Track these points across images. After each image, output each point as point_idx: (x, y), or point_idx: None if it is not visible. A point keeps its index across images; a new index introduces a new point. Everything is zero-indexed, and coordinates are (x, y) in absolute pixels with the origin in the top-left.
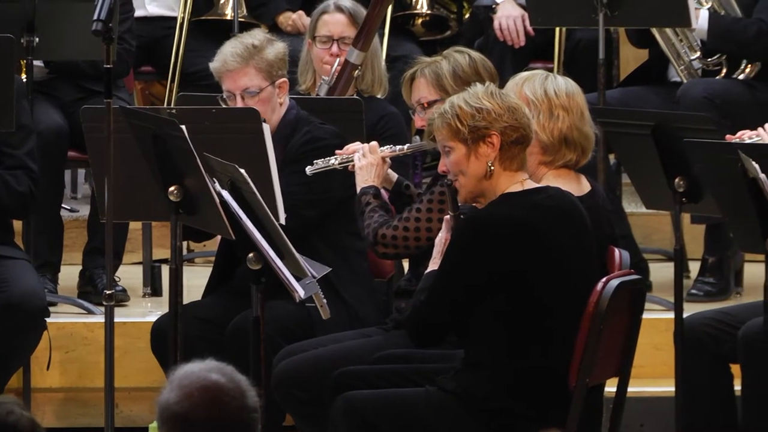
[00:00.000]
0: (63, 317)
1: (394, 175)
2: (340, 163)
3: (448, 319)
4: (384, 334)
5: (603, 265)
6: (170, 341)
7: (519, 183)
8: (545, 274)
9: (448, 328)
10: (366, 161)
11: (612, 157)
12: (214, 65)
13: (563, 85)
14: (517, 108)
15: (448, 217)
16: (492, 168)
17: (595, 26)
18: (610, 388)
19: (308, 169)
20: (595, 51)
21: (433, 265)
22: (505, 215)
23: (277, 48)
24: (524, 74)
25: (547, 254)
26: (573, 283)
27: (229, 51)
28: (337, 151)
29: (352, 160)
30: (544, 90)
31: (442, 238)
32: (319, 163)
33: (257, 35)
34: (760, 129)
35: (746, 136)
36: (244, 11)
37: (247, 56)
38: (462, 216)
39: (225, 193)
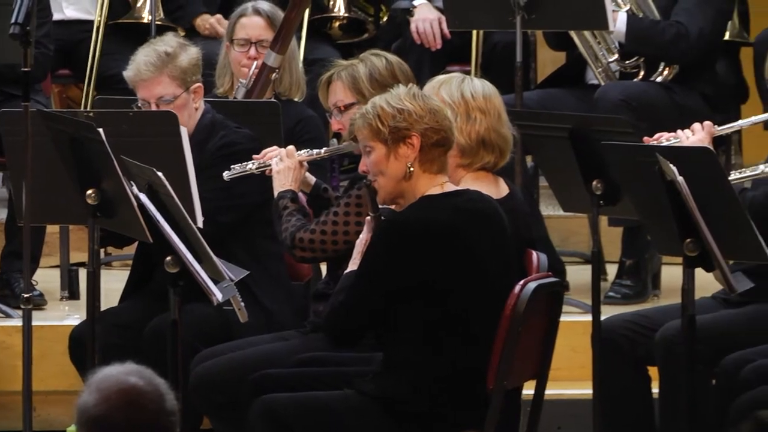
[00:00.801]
0: None
1: (312, 179)
2: (257, 168)
3: (366, 321)
4: (302, 338)
5: (521, 267)
6: (87, 346)
7: (439, 186)
8: (464, 277)
9: (366, 329)
10: (283, 165)
11: (529, 160)
12: (127, 74)
13: (480, 87)
14: (438, 110)
15: (369, 218)
16: (411, 169)
17: (512, 29)
18: (528, 390)
19: (226, 174)
20: (513, 54)
21: (353, 265)
22: (426, 218)
23: (191, 53)
24: (441, 77)
25: (466, 257)
26: (492, 285)
27: (142, 60)
28: (254, 156)
29: (270, 165)
30: (461, 93)
31: (362, 239)
32: (237, 168)
33: (170, 41)
34: (678, 131)
35: (664, 138)
36: (161, 14)
37: (160, 65)
38: (383, 218)
39: (143, 197)
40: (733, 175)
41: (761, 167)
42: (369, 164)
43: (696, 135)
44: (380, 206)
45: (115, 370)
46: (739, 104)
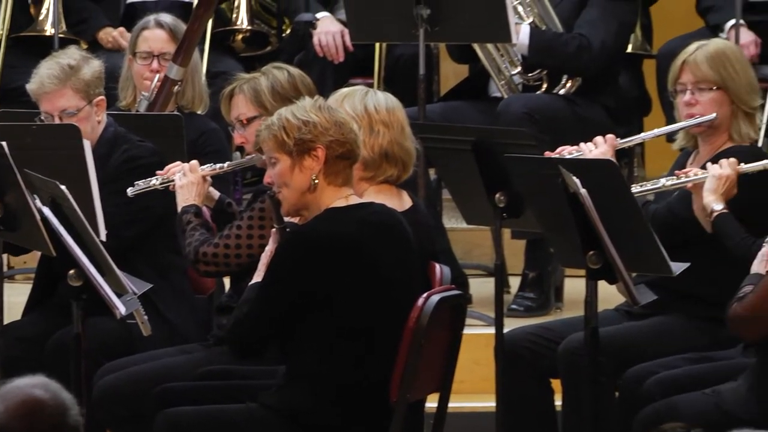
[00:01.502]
0: None
1: (216, 193)
2: (161, 184)
3: (269, 332)
4: (205, 351)
5: (424, 280)
6: None
7: (343, 198)
8: (368, 289)
9: (269, 341)
10: (187, 180)
11: (432, 173)
12: (30, 87)
13: (383, 100)
14: (344, 123)
15: (273, 229)
16: (316, 182)
17: (415, 42)
18: (431, 403)
19: (130, 191)
20: (416, 66)
21: (257, 277)
22: (330, 231)
23: (94, 66)
24: (344, 90)
25: (370, 269)
26: (395, 298)
27: (45, 72)
28: (158, 172)
29: (173, 180)
30: (364, 106)
31: (267, 251)
32: (140, 184)
33: (73, 54)
34: (581, 144)
35: (566, 151)
36: (64, 27)
37: (63, 77)
38: (287, 229)
39: (46, 210)
40: (635, 189)
41: (662, 181)
42: (274, 176)
43: (599, 147)
44: (285, 218)
45: (23, 382)
46: (642, 117)
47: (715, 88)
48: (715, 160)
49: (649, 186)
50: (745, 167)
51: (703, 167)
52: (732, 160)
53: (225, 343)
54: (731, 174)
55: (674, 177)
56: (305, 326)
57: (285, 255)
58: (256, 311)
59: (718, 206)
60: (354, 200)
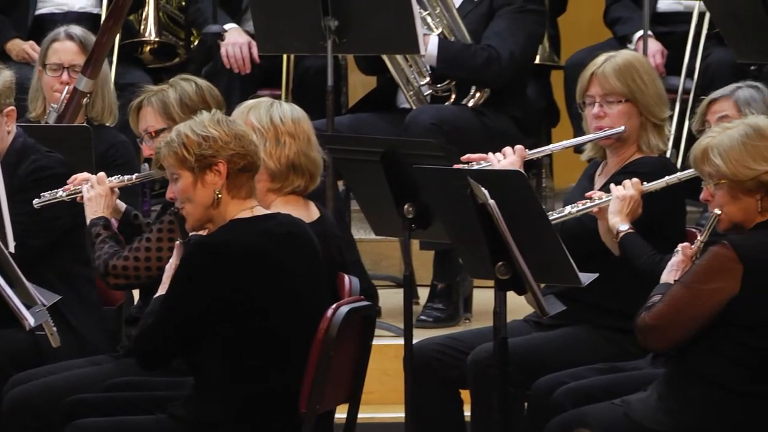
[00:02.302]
0: None
1: (123, 206)
2: (68, 195)
3: (174, 343)
4: (114, 362)
5: (333, 291)
6: None
7: (248, 210)
8: (275, 301)
9: (175, 351)
10: (95, 192)
11: (341, 184)
12: None
13: (289, 111)
14: (243, 135)
15: (177, 243)
16: (219, 196)
17: (323, 53)
18: (341, 414)
19: (35, 203)
20: (324, 78)
21: (162, 289)
22: (234, 241)
23: (4, 77)
24: (250, 102)
25: (277, 281)
26: (303, 309)
27: None
28: (67, 182)
29: (81, 192)
30: (269, 117)
31: (171, 264)
32: (47, 196)
33: None
34: (490, 154)
35: (474, 161)
36: None
37: None
38: (191, 242)
39: None
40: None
41: (568, 209)
42: (176, 191)
43: (507, 158)
44: (190, 233)
45: None
46: (550, 128)
47: (623, 100)
48: (623, 171)
49: (555, 215)
50: (648, 186)
51: (608, 190)
52: (635, 180)
53: (131, 355)
54: (635, 194)
55: (579, 203)
56: (211, 337)
57: (188, 265)
58: (161, 322)
59: (624, 226)
60: (259, 211)
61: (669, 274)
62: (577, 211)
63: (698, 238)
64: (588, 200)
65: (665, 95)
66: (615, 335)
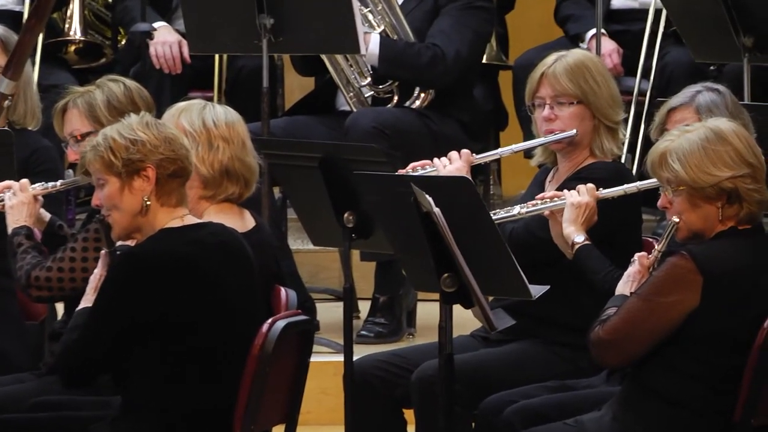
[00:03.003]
0: None
1: (47, 215)
2: None
3: (101, 360)
4: (37, 380)
5: (268, 305)
6: None
7: (178, 219)
8: (207, 315)
9: (101, 368)
10: (17, 200)
11: (277, 191)
12: None
13: (222, 114)
14: (174, 139)
15: (103, 252)
16: (148, 203)
17: (258, 53)
18: None
19: None
20: (259, 79)
21: (86, 302)
22: (164, 251)
23: None
24: (181, 104)
25: (209, 294)
26: (237, 324)
27: None
28: None
29: (2, 200)
30: (202, 120)
31: (96, 275)
32: None
33: None
34: (435, 160)
35: (419, 167)
36: None
37: None
38: (118, 252)
39: None
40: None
41: (517, 208)
42: (102, 198)
43: (453, 164)
44: (117, 243)
45: None
46: (498, 131)
47: (575, 102)
48: (575, 177)
49: (502, 213)
50: (605, 192)
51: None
52: (590, 186)
53: (54, 372)
54: (590, 201)
55: (530, 204)
56: (139, 353)
57: (115, 277)
58: (86, 337)
59: (579, 237)
60: (190, 220)
61: (625, 286)
62: (527, 212)
63: (656, 247)
64: (539, 201)
65: (619, 97)
66: (567, 351)
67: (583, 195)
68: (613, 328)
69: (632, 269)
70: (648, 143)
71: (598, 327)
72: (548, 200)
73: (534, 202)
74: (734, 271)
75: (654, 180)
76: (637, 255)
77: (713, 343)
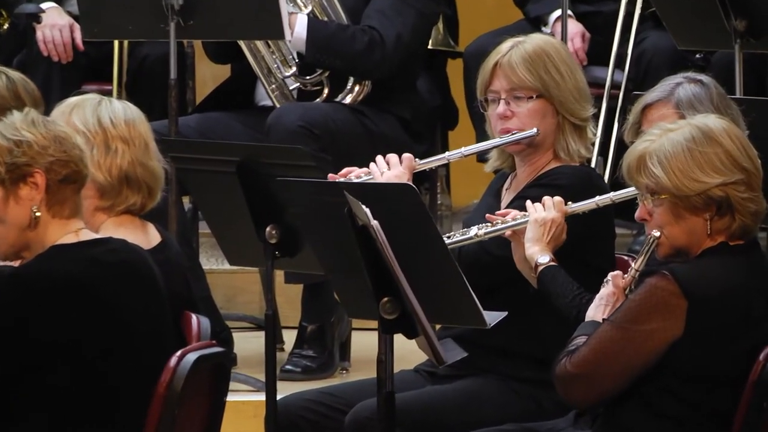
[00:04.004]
0: None
1: None
2: None
3: None
4: None
5: (177, 334)
6: None
7: (73, 233)
8: (106, 345)
9: None
10: None
11: (187, 201)
12: None
13: (121, 111)
14: (65, 138)
15: None
16: (38, 214)
17: (164, 39)
18: None
19: None
20: (165, 69)
21: None
22: (56, 272)
23: None
24: (73, 99)
25: (108, 321)
26: (141, 356)
27: None
28: None
29: None
30: (97, 118)
31: None
32: None
33: None
34: (371, 165)
35: (354, 174)
36: None
37: None
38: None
39: None
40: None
41: (474, 230)
42: None
43: (393, 169)
44: (1, 262)
45: None
46: (446, 131)
47: (535, 96)
48: (536, 183)
49: (458, 237)
50: (574, 207)
51: (522, 206)
52: (558, 199)
53: None
54: (557, 217)
55: (488, 224)
56: (26, 387)
57: (1, 303)
58: None
59: (543, 258)
60: (86, 235)
61: (596, 310)
62: (486, 234)
63: (632, 266)
64: (499, 220)
65: (587, 89)
66: (528, 388)
67: (549, 210)
68: (583, 361)
69: (605, 291)
70: (623, 144)
71: (565, 359)
72: (509, 219)
73: (494, 219)
74: (724, 295)
75: (631, 189)
76: (611, 274)
77: (699, 379)
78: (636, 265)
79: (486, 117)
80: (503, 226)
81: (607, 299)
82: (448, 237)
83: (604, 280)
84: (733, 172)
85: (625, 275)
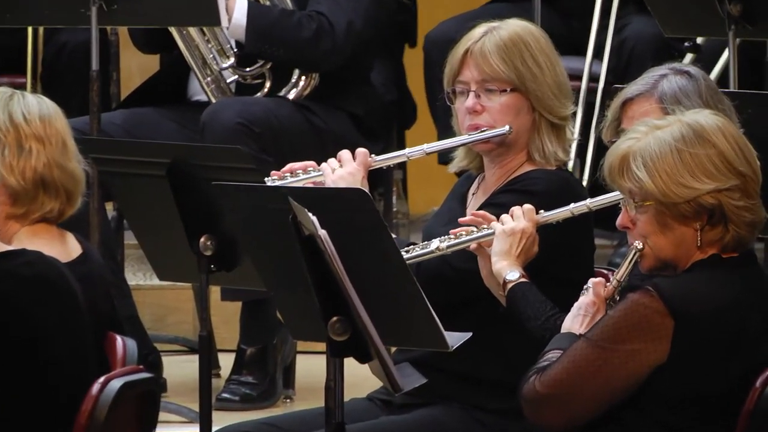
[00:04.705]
0: None
1: None
2: None
3: None
4: None
5: (100, 357)
6: None
7: None
8: (19, 369)
9: None
10: None
11: (110, 208)
12: None
13: (36, 107)
14: None
15: None
16: None
17: (85, 25)
18: None
19: None
20: (86, 59)
21: None
22: None
23: None
24: None
25: (22, 342)
26: (59, 382)
27: None
28: None
29: None
30: (8, 115)
31: None
32: None
33: None
34: (324, 164)
35: (300, 169)
36: None
37: None
38: None
39: None
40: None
41: (435, 242)
42: None
43: (345, 167)
44: None
45: None
46: (403, 128)
47: (509, 89)
48: (507, 189)
49: (417, 251)
50: (546, 216)
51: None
52: (528, 207)
53: None
54: (527, 227)
55: (452, 234)
56: None
57: None
58: None
59: (513, 274)
60: None
61: (574, 321)
62: (448, 248)
63: (614, 275)
64: (463, 232)
65: (568, 84)
66: (495, 418)
67: (518, 220)
68: (555, 380)
69: (585, 300)
70: (603, 145)
71: (534, 377)
72: (475, 229)
73: (458, 231)
74: (716, 314)
75: (611, 195)
76: (591, 281)
77: (685, 406)
78: (618, 274)
79: (452, 111)
80: (468, 238)
81: (586, 309)
82: (407, 251)
83: (584, 287)
84: (727, 176)
85: (608, 283)
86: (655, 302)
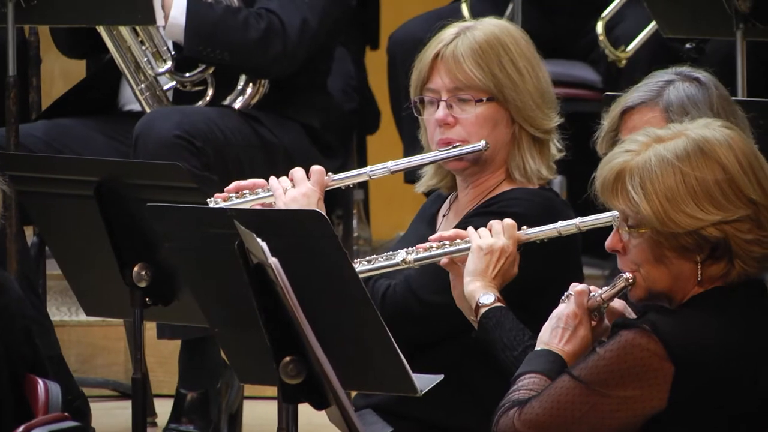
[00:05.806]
0: None
1: None
2: None
3: None
4: None
5: (19, 403)
6: None
7: None
8: None
9: None
10: None
11: (30, 233)
12: None
13: None
14: None
15: None
16: None
17: (0, 24)
18: None
19: None
20: (2, 63)
21: None
22: None
23: None
24: None
25: None
26: None
27: None
28: None
29: None
30: None
31: None
32: None
33: None
34: (271, 180)
35: (246, 189)
36: None
37: None
38: None
39: None
40: (359, 267)
41: (402, 254)
42: None
43: (298, 187)
44: None
45: None
46: (364, 138)
47: (485, 99)
48: (482, 211)
49: (381, 261)
50: (529, 233)
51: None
52: (509, 222)
53: None
54: (507, 245)
55: (421, 247)
56: None
57: None
58: None
59: (487, 297)
60: None
61: (551, 333)
62: (416, 260)
63: (599, 293)
64: (434, 245)
65: (552, 92)
66: None
67: (497, 236)
68: (535, 421)
69: (565, 309)
70: (592, 160)
71: (514, 411)
72: (448, 242)
73: (427, 245)
74: (721, 359)
75: (606, 215)
76: (573, 289)
77: None
78: (605, 293)
79: (420, 123)
80: (439, 252)
81: (567, 321)
82: (369, 261)
83: (565, 293)
84: (736, 206)
85: (592, 293)
86: (653, 344)
